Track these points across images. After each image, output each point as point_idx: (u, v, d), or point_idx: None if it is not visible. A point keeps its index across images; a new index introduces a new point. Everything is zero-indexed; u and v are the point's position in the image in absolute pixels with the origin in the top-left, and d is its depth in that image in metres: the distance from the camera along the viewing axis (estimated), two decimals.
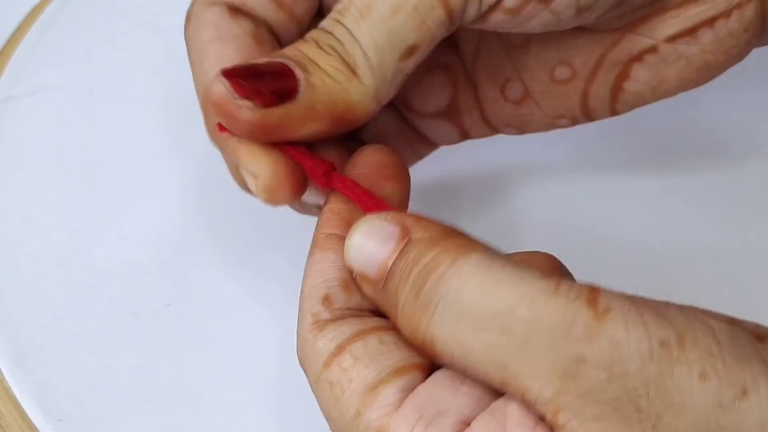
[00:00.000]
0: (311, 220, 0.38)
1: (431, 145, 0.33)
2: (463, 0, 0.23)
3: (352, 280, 0.23)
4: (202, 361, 0.34)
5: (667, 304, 0.19)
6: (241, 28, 0.26)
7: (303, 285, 0.24)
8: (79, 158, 0.41)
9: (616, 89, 0.29)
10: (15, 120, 0.43)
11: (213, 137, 0.26)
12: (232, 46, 0.26)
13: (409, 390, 0.21)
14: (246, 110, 0.23)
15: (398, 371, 0.21)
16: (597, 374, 0.18)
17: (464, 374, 0.20)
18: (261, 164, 0.24)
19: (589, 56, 0.28)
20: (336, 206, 0.25)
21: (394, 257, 0.21)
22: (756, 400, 0.17)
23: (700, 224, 0.38)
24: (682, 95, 0.31)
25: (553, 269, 0.24)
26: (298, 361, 0.24)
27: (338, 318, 0.22)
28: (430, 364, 0.22)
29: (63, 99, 0.43)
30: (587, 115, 0.30)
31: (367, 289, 0.22)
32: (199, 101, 0.27)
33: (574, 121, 0.31)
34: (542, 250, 0.25)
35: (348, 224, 0.23)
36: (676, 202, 0.39)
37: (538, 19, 0.24)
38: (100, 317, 0.35)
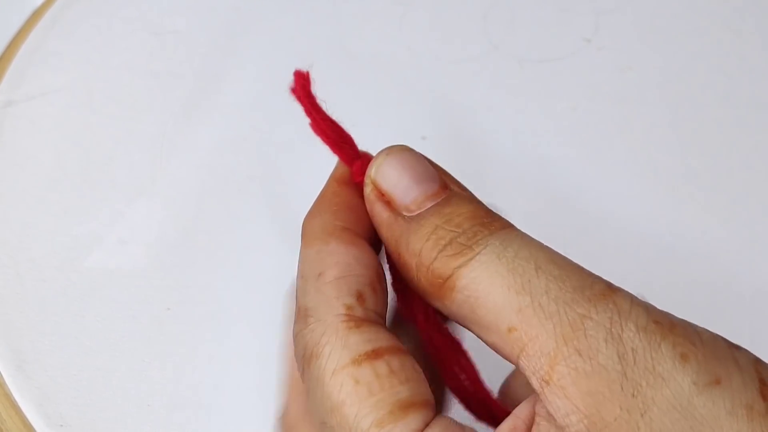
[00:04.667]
0: None
1: None
2: None
3: (377, 283, 0.23)
4: (201, 364, 0.34)
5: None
6: None
7: (317, 270, 0.23)
8: (79, 162, 0.41)
9: None
10: (16, 124, 0.43)
11: None
12: None
13: (427, 423, 0.21)
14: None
15: (427, 402, 0.22)
16: (597, 332, 0.19)
17: (470, 316, 0.21)
18: None
19: None
20: (347, 198, 0.25)
21: (437, 200, 0.23)
22: (728, 389, 0.19)
23: (698, 223, 0.38)
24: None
25: None
26: (293, 339, 0.23)
27: (372, 321, 0.22)
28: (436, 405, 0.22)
29: (63, 103, 0.44)
30: None
31: (382, 211, 0.23)
32: None
33: None
34: None
35: (362, 221, 0.24)
36: (672, 201, 0.38)
37: None
38: (100, 322, 0.36)
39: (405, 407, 0.21)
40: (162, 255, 0.38)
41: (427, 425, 0.21)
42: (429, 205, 0.23)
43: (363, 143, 0.41)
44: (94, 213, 0.39)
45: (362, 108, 0.43)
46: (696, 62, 0.44)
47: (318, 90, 0.43)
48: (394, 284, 0.25)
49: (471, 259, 0.21)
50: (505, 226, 0.22)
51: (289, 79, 0.44)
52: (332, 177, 0.26)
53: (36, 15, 0.48)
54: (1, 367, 0.34)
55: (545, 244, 0.22)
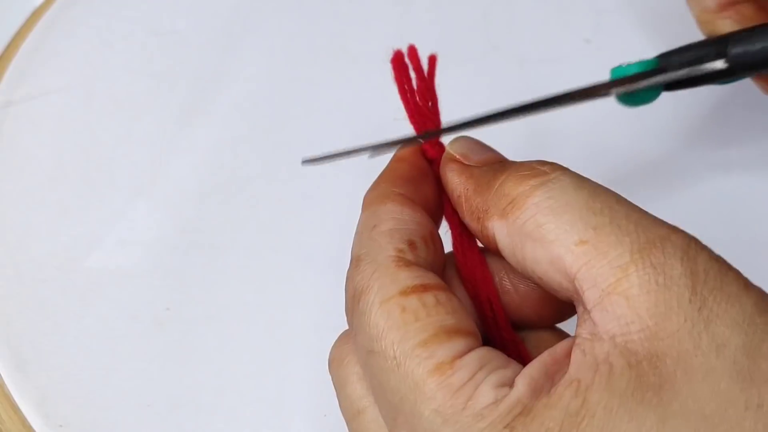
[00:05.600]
0: (310, 225, 0.38)
1: None
2: None
3: (430, 239, 0.24)
4: (202, 364, 0.34)
5: None
6: None
7: (372, 223, 0.24)
8: (79, 163, 0.41)
9: None
10: (15, 125, 0.43)
11: None
12: None
13: (471, 349, 0.22)
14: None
15: (472, 333, 0.22)
16: (674, 251, 0.20)
17: (534, 231, 0.22)
18: None
19: None
20: (405, 172, 0.26)
21: (502, 158, 0.26)
22: None
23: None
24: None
25: None
26: (345, 283, 0.24)
27: (422, 265, 0.23)
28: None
29: (63, 103, 0.44)
30: None
31: (455, 165, 0.26)
32: None
33: None
34: None
35: (419, 191, 0.26)
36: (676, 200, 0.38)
37: None
38: (100, 322, 0.36)
39: (450, 332, 0.21)
40: (162, 255, 0.38)
41: (471, 350, 0.21)
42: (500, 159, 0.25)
43: (363, 143, 0.41)
44: (93, 213, 0.39)
45: (362, 108, 0.43)
46: None
47: (318, 90, 0.44)
48: (454, 243, 0.26)
49: (548, 180, 0.22)
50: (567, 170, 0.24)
51: (289, 80, 0.44)
52: (393, 157, 0.27)
53: (36, 15, 0.47)
54: (1, 367, 0.34)
55: None
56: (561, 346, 0.21)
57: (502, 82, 0.43)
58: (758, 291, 0.21)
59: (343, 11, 0.47)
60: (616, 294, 0.20)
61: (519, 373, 0.21)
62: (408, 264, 0.23)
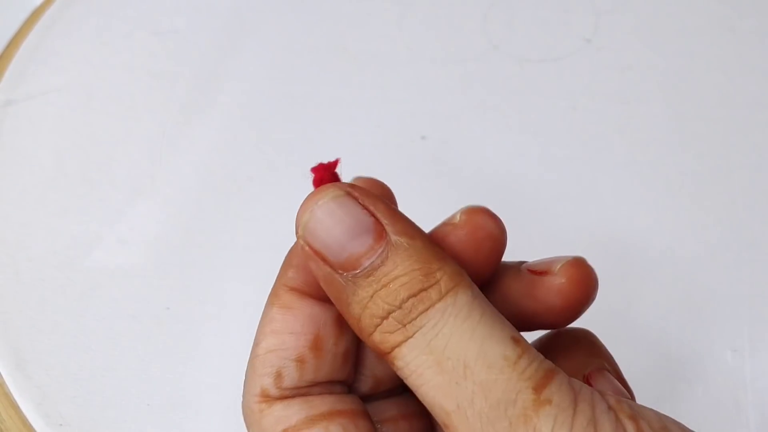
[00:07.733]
0: None
1: None
2: None
3: (309, 351, 0.23)
4: (201, 364, 0.34)
5: (608, 409, 0.20)
6: None
7: (257, 340, 0.23)
8: (78, 162, 0.41)
9: None
10: (15, 124, 0.43)
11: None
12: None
13: None
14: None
15: None
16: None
17: (414, 391, 0.21)
18: None
19: None
20: (302, 260, 0.23)
21: (373, 258, 0.21)
22: None
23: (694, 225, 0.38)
24: None
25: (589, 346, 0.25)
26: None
27: (287, 397, 0.22)
28: None
29: (63, 103, 0.44)
30: None
31: (318, 268, 0.21)
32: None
33: None
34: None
35: (315, 284, 0.23)
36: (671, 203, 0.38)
37: None
38: (99, 321, 0.36)
39: None
40: (162, 255, 0.38)
41: None
42: (365, 263, 0.21)
43: (363, 143, 0.41)
44: (93, 212, 0.39)
45: (362, 108, 0.43)
46: (695, 62, 0.44)
47: (318, 90, 0.44)
48: None
49: (405, 341, 0.20)
50: (443, 294, 0.21)
51: (289, 79, 0.45)
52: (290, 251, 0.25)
53: (36, 15, 0.48)
54: (1, 367, 0.34)
55: (479, 311, 0.21)
56: None
57: (502, 82, 0.44)
58: None
59: (343, 11, 0.47)
60: None
61: None
62: (270, 404, 0.22)
